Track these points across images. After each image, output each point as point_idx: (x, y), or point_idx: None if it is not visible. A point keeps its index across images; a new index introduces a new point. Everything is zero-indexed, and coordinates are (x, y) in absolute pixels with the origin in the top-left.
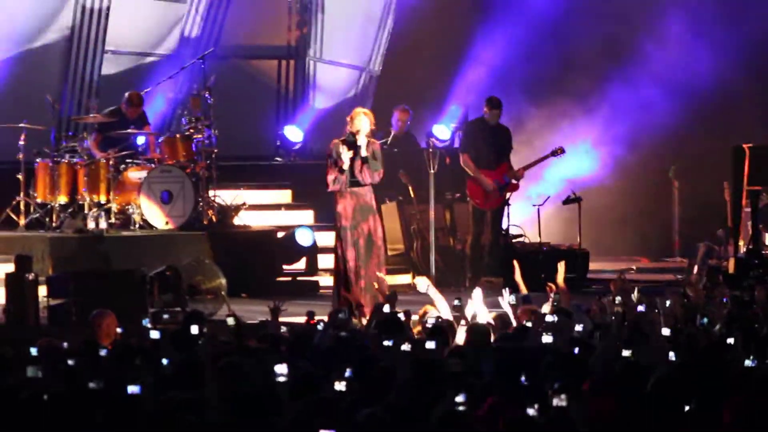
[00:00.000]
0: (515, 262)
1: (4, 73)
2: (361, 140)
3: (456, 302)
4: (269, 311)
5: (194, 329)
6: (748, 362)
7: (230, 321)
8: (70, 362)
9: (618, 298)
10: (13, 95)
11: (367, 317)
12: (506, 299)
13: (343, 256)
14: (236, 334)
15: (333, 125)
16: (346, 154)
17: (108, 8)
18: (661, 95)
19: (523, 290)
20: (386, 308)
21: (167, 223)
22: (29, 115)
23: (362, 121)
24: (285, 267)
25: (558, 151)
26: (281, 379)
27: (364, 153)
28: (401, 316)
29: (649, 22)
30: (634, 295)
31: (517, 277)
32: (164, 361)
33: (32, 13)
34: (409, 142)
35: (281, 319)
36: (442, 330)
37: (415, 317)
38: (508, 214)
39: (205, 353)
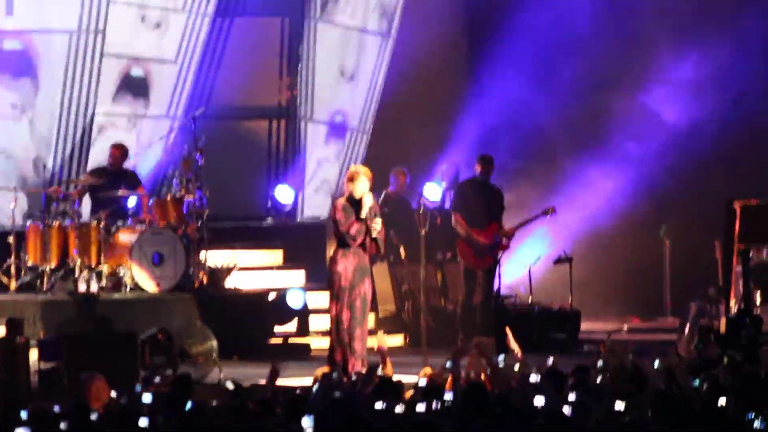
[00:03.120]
0: (507, 329)
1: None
2: (366, 202)
3: (448, 364)
4: (270, 372)
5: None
6: (757, 423)
7: (229, 385)
8: (62, 426)
9: (600, 362)
10: (4, 158)
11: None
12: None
13: (338, 317)
14: (236, 396)
15: (324, 185)
16: (366, 206)
17: (99, 70)
18: (650, 154)
19: (518, 352)
20: (380, 370)
21: (158, 285)
22: (19, 179)
23: (363, 184)
24: (276, 329)
25: (549, 211)
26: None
27: (372, 213)
28: (396, 378)
29: (637, 78)
30: (627, 356)
31: (511, 342)
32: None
33: (24, 75)
34: (401, 202)
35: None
36: (435, 390)
37: (408, 378)
38: (500, 274)
39: (198, 416)
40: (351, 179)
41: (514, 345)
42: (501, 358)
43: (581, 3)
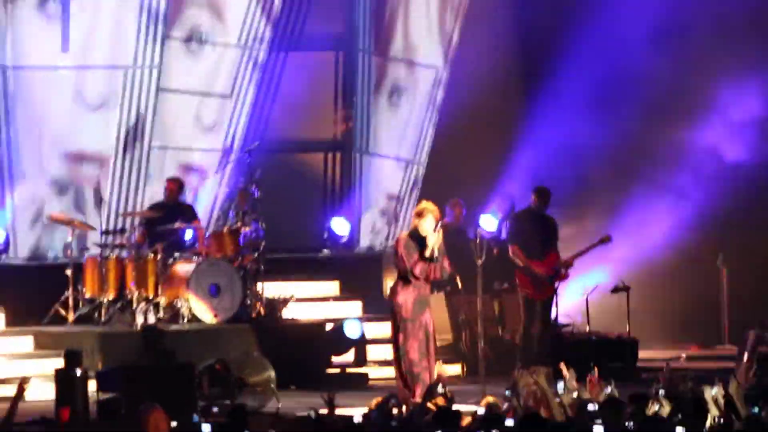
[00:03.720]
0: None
1: (59, 172)
2: (431, 241)
3: (507, 392)
4: (324, 402)
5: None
6: None
7: (312, 414)
8: None
9: (660, 391)
10: (63, 191)
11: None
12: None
13: (404, 347)
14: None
15: (380, 217)
16: (432, 241)
17: (155, 105)
18: (709, 184)
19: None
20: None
21: (215, 316)
22: (78, 212)
23: (430, 223)
24: (334, 359)
25: (605, 239)
26: None
27: (437, 253)
28: (454, 408)
29: (695, 111)
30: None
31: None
32: None
33: (83, 111)
34: (457, 234)
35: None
36: (496, 418)
37: (466, 408)
38: (557, 303)
39: None
40: (419, 215)
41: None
42: (560, 386)
43: (638, 33)
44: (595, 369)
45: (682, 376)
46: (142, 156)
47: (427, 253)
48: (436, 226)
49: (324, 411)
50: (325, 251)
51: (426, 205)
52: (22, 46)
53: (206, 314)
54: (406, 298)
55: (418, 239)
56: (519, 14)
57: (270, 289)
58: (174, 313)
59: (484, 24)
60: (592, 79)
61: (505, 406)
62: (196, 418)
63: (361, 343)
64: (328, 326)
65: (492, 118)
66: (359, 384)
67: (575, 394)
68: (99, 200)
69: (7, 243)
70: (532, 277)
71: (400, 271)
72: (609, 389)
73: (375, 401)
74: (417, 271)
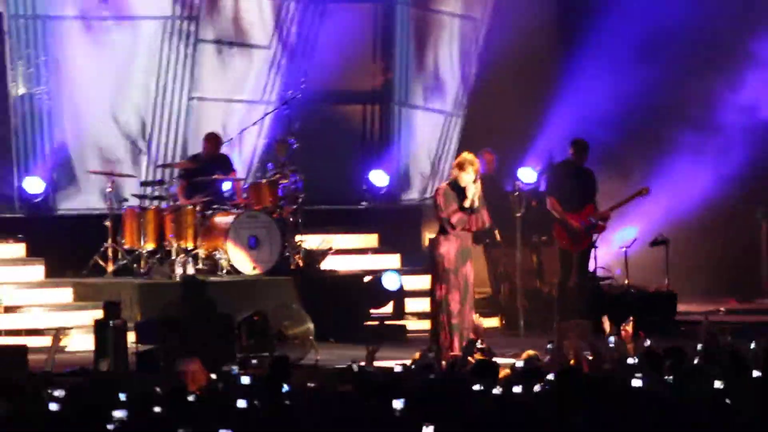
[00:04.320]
0: (604, 318)
1: (95, 121)
2: (470, 192)
3: (549, 346)
4: (367, 353)
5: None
6: None
7: (354, 367)
8: (157, 409)
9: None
10: (100, 144)
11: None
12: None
13: (446, 298)
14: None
15: (419, 169)
16: (471, 192)
17: (193, 56)
18: (748, 135)
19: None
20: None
21: (254, 268)
22: (116, 163)
23: (470, 174)
24: (372, 311)
25: (643, 191)
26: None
27: (476, 203)
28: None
29: (737, 60)
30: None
31: (606, 326)
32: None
33: (119, 64)
34: (494, 185)
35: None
36: (533, 371)
37: (503, 360)
38: (595, 256)
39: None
40: (460, 167)
41: (608, 328)
42: (611, 340)
43: None
44: (631, 320)
45: (720, 329)
46: (180, 106)
47: (467, 204)
48: (476, 177)
49: (363, 363)
50: (364, 203)
51: (466, 156)
52: None
53: (245, 266)
54: (448, 248)
55: (457, 190)
56: None
57: (309, 241)
58: (213, 265)
59: None
60: (633, 32)
61: (546, 359)
62: (234, 369)
63: (399, 296)
64: (367, 278)
65: (531, 70)
66: (398, 336)
67: (614, 348)
68: (137, 151)
69: (46, 193)
70: (568, 229)
71: (440, 223)
72: (648, 342)
73: (418, 353)
74: (454, 220)
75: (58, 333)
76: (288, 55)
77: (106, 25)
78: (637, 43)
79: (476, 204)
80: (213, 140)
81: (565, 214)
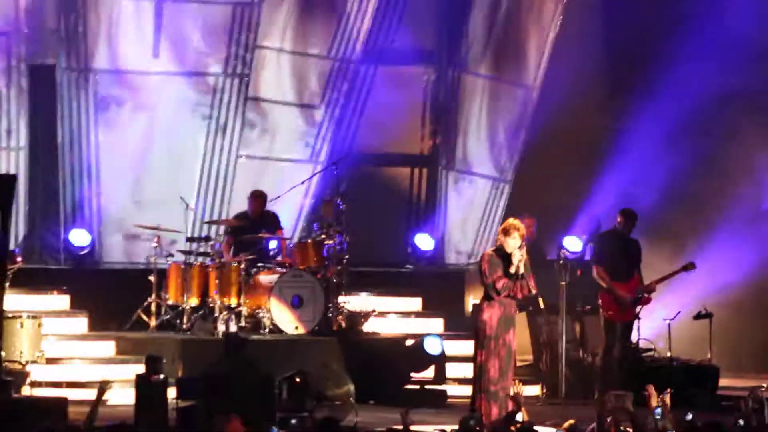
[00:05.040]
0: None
1: (144, 177)
2: (515, 258)
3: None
4: (401, 417)
5: None
6: None
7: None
8: None
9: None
10: (148, 198)
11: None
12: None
13: (483, 365)
14: None
15: (464, 234)
16: (517, 258)
17: (243, 114)
18: None
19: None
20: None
21: (297, 327)
22: (163, 219)
23: (515, 240)
24: (413, 375)
25: (689, 266)
26: None
27: (521, 270)
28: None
29: None
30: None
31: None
32: None
33: (171, 121)
34: (537, 252)
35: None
36: None
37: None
38: (638, 327)
39: None
40: (505, 232)
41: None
42: (658, 411)
43: (733, 54)
44: (668, 392)
45: (761, 404)
46: (228, 164)
47: (512, 270)
48: (522, 244)
49: (399, 427)
50: (409, 266)
51: (512, 222)
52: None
53: (288, 325)
54: (491, 314)
55: (503, 256)
56: (609, 34)
57: (352, 302)
58: (255, 323)
59: (575, 44)
60: (682, 102)
61: (589, 429)
62: (274, 429)
63: (441, 360)
64: (409, 342)
65: (580, 138)
66: (438, 401)
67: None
68: (185, 207)
69: (93, 247)
70: (615, 299)
71: (485, 289)
72: (690, 416)
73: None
74: (499, 285)
75: (102, 385)
76: (338, 116)
77: (156, 80)
78: (688, 114)
79: (521, 270)
80: (259, 198)
81: (613, 284)
